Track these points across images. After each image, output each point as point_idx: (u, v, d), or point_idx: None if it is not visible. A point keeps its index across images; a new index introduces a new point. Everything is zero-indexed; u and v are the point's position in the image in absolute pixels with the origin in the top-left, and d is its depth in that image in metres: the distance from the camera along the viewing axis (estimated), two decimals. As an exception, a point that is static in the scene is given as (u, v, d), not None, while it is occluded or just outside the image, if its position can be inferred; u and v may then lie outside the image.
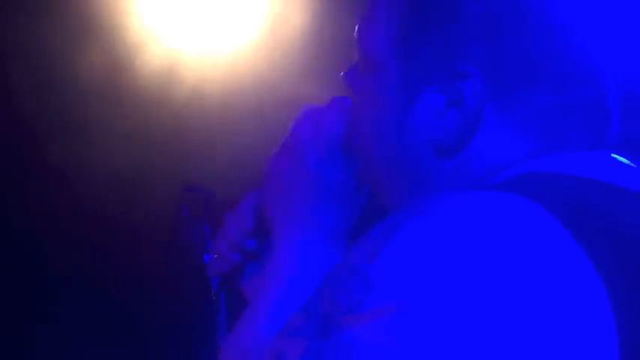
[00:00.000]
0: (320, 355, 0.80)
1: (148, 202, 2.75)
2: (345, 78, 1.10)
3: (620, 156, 0.95)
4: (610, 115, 0.98)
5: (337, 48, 2.32)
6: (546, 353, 0.77)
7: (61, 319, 2.92)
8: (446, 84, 0.95)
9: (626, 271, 0.81)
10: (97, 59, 2.75)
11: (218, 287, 1.72)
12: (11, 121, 2.78)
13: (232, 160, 2.65)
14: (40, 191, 2.83)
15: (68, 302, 2.91)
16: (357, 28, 1.06)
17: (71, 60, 2.75)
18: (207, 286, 1.73)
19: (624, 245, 0.83)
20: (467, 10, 0.95)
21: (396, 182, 1.01)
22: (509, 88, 0.94)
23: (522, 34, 0.94)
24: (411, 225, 0.82)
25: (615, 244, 0.82)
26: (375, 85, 1.02)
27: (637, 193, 0.91)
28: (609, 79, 0.98)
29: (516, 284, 0.77)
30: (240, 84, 2.78)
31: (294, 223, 1.10)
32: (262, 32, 2.77)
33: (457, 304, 0.77)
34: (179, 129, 2.81)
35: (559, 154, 0.93)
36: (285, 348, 0.84)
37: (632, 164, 0.95)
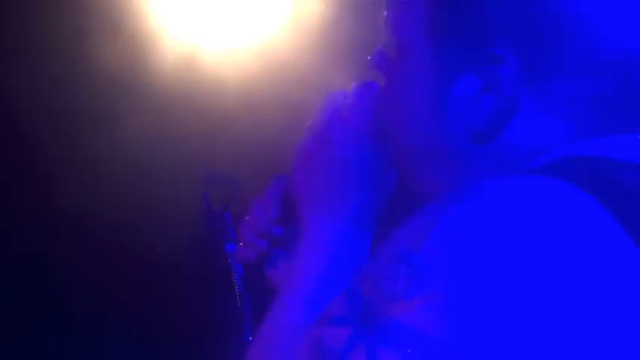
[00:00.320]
0: (365, 344, 0.78)
1: (170, 192, 2.74)
2: (372, 62, 1.08)
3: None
4: None
5: (361, 33, 2.32)
6: (600, 350, 0.76)
7: (79, 313, 2.92)
8: (481, 69, 0.94)
9: None
10: (113, 53, 2.75)
11: (242, 275, 1.72)
12: (23, 117, 2.78)
13: (257, 148, 2.64)
14: (54, 184, 2.82)
15: (87, 295, 2.91)
16: (385, 11, 1.04)
17: (87, 55, 2.75)
18: (230, 275, 1.72)
19: None
20: None
21: (428, 168, 1.00)
22: (545, 73, 0.93)
23: (558, 19, 0.92)
24: (456, 211, 0.80)
25: None
26: (406, 70, 1.01)
27: None
28: None
29: (565, 274, 0.77)
30: (264, 72, 2.77)
31: (322, 209, 1.09)
32: (285, 20, 2.76)
33: (506, 292, 0.75)
34: (202, 116, 2.80)
35: (597, 138, 0.92)
36: (325, 336, 0.82)
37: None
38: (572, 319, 0.76)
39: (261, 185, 1.23)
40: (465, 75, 0.95)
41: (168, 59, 2.79)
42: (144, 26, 2.78)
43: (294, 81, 2.70)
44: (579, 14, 0.93)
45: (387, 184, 1.10)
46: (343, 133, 1.09)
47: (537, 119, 0.94)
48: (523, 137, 0.94)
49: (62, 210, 2.80)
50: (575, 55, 0.92)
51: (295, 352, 0.87)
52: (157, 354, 2.91)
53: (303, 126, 1.15)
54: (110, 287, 2.88)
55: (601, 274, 0.77)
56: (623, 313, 0.77)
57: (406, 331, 0.77)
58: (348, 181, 1.08)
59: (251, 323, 1.69)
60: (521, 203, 0.80)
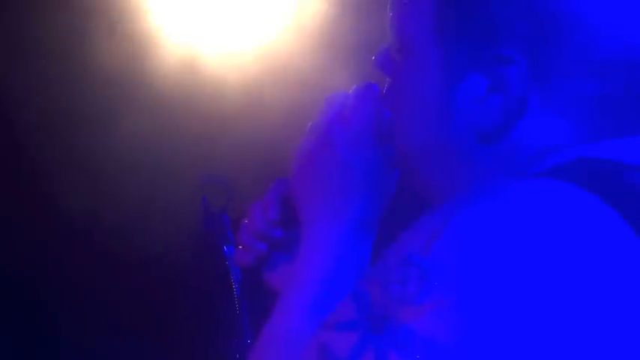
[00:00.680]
0: (374, 349, 0.77)
1: (168, 195, 2.74)
2: (376, 62, 1.07)
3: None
4: None
5: (366, 33, 2.30)
6: (614, 355, 0.75)
7: (74, 317, 2.92)
8: (488, 69, 0.93)
9: None
10: (112, 54, 2.74)
11: (241, 279, 1.70)
12: (23, 117, 2.77)
13: (258, 151, 2.63)
14: (49, 186, 2.81)
15: (82, 298, 2.90)
16: (390, 10, 1.03)
17: (85, 56, 2.74)
18: (228, 278, 1.71)
19: None
20: None
21: (434, 169, 0.99)
22: (553, 73, 0.92)
23: (565, 18, 0.91)
24: (466, 215, 0.79)
25: None
26: (412, 69, 0.99)
27: None
28: None
29: (578, 280, 0.76)
30: (266, 74, 2.76)
31: (323, 211, 1.08)
32: (288, 20, 2.74)
33: (517, 297, 0.74)
34: (202, 118, 2.79)
35: (606, 140, 0.91)
36: (332, 341, 0.81)
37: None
38: (585, 326, 0.75)
39: (262, 188, 1.22)
40: (472, 75, 0.94)
41: (168, 60, 2.78)
42: (143, 26, 2.76)
43: (297, 83, 2.69)
44: (586, 14, 0.92)
45: (389, 185, 1.09)
46: (344, 135, 1.08)
47: (545, 119, 0.93)
48: (531, 138, 0.93)
49: (57, 212, 2.79)
50: (584, 54, 0.91)
51: (301, 357, 0.86)
52: (155, 358, 2.90)
53: (306, 128, 1.14)
54: (106, 290, 2.87)
55: (613, 278, 0.77)
56: (636, 316, 0.76)
57: (416, 337, 0.75)
58: (349, 183, 1.07)
59: (250, 327, 1.68)
60: (533, 207, 0.79)
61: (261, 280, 1.22)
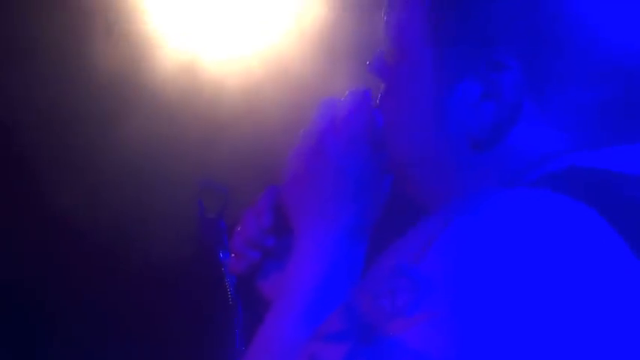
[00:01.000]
0: None
1: (165, 200, 2.73)
2: (371, 67, 1.06)
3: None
4: None
5: (367, 37, 2.29)
6: None
7: (70, 320, 2.91)
8: (482, 75, 0.92)
9: None
10: (112, 55, 2.74)
11: (235, 286, 1.69)
12: (20, 119, 2.76)
13: (259, 156, 2.62)
14: (46, 189, 2.81)
15: (79, 302, 2.89)
16: (385, 15, 1.02)
17: (84, 57, 2.73)
18: (224, 285, 1.69)
19: None
20: None
21: (427, 175, 0.98)
22: (550, 80, 0.90)
23: (561, 26, 0.90)
24: (458, 225, 0.78)
25: None
26: (406, 74, 0.99)
27: None
28: None
29: (570, 291, 0.75)
30: (266, 79, 2.76)
31: (315, 218, 1.08)
32: (288, 25, 2.74)
33: (509, 309, 0.73)
34: (201, 122, 2.79)
35: (599, 149, 0.90)
36: (321, 352, 0.80)
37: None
38: (578, 335, 0.74)
39: (260, 194, 1.22)
40: (466, 81, 0.93)
41: (166, 63, 2.78)
42: (141, 28, 2.76)
43: (297, 88, 2.68)
44: (584, 20, 0.90)
45: (382, 192, 1.09)
46: (337, 142, 1.08)
47: (540, 126, 0.91)
48: (526, 144, 0.92)
49: (54, 215, 2.78)
50: (582, 61, 0.90)
51: None
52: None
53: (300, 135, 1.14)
54: (102, 294, 2.87)
55: (604, 288, 0.76)
56: (627, 326, 0.75)
57: (405, 349, 0.74)
58: (342, 190, 1.07)
59: (243, 334, 1.67)
60: (525, 217, 0.78)
61: (254, 288, 1.22)
